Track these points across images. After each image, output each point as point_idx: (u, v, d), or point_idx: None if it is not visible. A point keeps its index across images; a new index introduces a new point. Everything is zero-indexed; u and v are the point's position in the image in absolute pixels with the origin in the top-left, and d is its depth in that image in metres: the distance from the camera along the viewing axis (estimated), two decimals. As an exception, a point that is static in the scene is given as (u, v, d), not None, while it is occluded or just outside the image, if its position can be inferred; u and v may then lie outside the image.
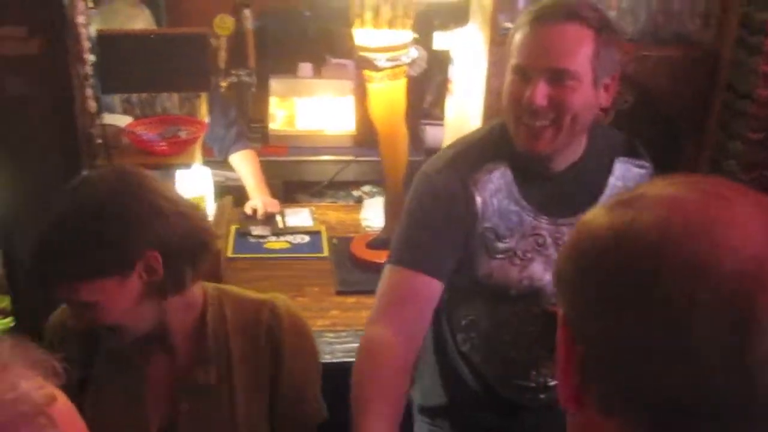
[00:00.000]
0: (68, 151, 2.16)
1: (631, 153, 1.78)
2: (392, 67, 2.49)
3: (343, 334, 2.46)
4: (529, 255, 1.73)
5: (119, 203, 1.42)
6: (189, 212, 1.50)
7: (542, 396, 1.87)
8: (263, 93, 4.07)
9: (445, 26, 2.95)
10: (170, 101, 2.74)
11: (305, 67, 4.08)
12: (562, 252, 0.82)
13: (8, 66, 2.05)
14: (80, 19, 2.09)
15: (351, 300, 2.64)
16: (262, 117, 4.10)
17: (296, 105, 4.04)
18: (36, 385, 0.73)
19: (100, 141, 2.25)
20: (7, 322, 2.34)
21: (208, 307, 1.58)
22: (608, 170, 1.73)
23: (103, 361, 1.62)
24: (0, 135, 2.13)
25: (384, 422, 1.52)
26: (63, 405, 0.74)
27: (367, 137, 3.92)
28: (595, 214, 0.79)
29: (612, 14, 2.56)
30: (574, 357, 0.78)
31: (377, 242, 2.79)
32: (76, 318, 1.51)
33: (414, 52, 2.56)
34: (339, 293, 2.66)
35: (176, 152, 2.34)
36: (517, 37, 1.62)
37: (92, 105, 2.20)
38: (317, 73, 4.11)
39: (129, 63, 2.40)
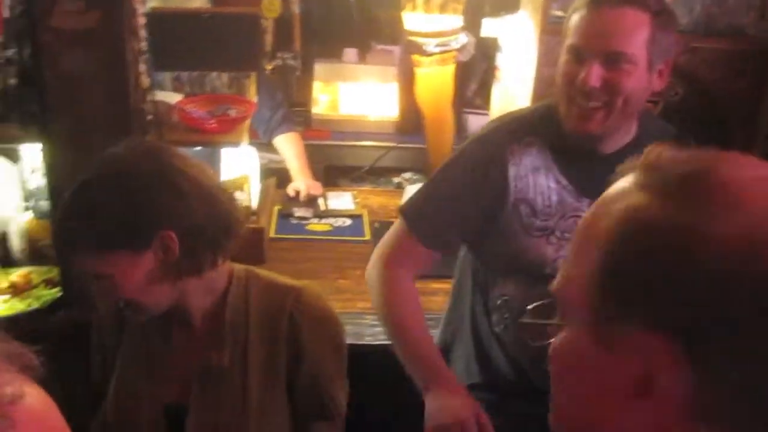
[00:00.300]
0: (120, 125, 2.18)
1: (681, 144, 1.76)
2: (441, 53, 2.50)
3: (384, 316, 2.47)
4: (567, 235, 1.73)
5: (140, 179, 1.41)
6: (215, 196, 1.48)
7: None
8: (307, 77, 4.09)
9: (495, 13, 2.94)
10: (219, 81, 2.76)
11: (350, 53, 4.08)
12: (624, 254, 0.71)
13: (65, 39, 2.07)
14: (136, -6, 2.12)
15: (392, 283, 2.65)
16: (305, 101, 4.11)
17: (340, 90, 4.05)
18: (2, 380, 0.66)
19: (150, 117, 2.28)
20: (55, 292, 2.38)
21: (231, 289, 1.57)
22: None
23: (129, 333, 1.65)
24: (55, 107, 2.16)
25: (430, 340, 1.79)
26: (31, 404, 0.67)
27: (409, 124, 3.92)
28: (655, 205, 0.70)
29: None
30: (662, 387, 0.68)
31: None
32: (96, 291, 1.52)
33: (463, 38, 2.57)
34: (380, 276, 2.66)
35: (225, 130, 2.36)
36: (575, 18, 1.63)
37: (145, 81, 2.22)
38: (362, 58, 4.11)
39: (181, 41, 2.42)
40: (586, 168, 1.71)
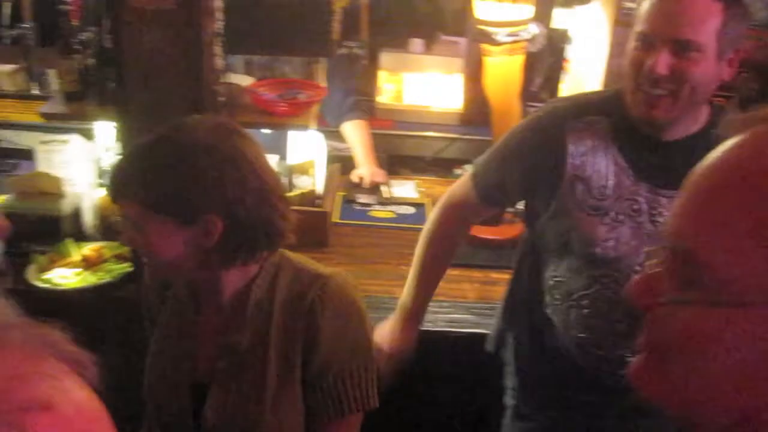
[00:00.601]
0: (194, 105, 2.23)
1: None
2: (512, 42, 2.49)
3: (445, 304, 2.49)
4: (620, 218, 1.73)
5: (212, 158, 1.39)
6: (270, 197, 1.45)
7: (622, 372, 1.84)
8: (373, 66, 4.11)
9: (567, 4, 2.92)
10: (290, 66, 2.79)
11: (416, 43, 4.09)
12: None
13: (145, 19, 2.13)
14: (214, -23, 2.16)
15: (454, 272, 2.65)
16: (370, 90, 4.13)
17: (405, 80, 4.06)
18: (34, 383, 0.56)
19: (223, 98, 2.32)
20: (125, 266, 2.44)
21: (261, 272, 1.54)
22: None
23: (168, 306, 1.66)
24: (132, 85, 2.22)
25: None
26: (59, 414, 0.56)
27: (472, 116, 3.91)
28: None
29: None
30: None
31: (485, 218, 2.80)
32: (122, 229, 1.51)
33: (534, 29, 2.55)
34: (443, 265, 2.68)
35: (294, 113, 2.39)
36: (645, 5, 1.63)
37: (219, 62, 2.26)
38: (428, 49, 4.12)
39: (254, 26, 2.46)
40: (646, 153, 1.72)
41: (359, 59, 4.03)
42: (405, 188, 3.21)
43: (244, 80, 2.50)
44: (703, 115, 1.70)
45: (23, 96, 3.75)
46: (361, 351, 1.56)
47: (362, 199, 3.08)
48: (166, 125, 1.48)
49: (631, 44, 1.66)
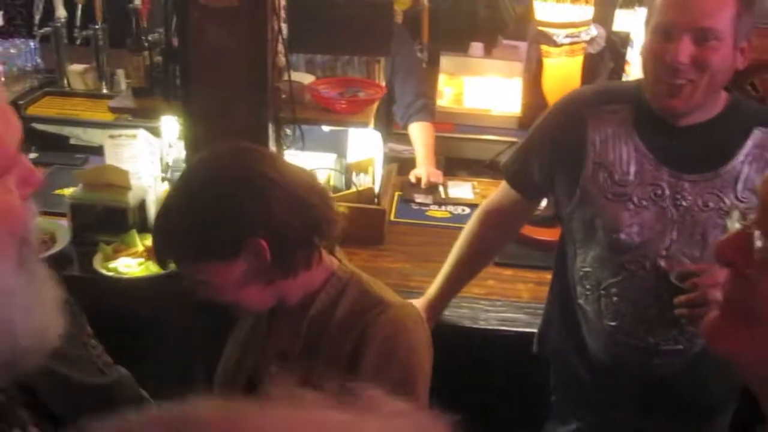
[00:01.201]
0: (257, 102, 2.29)
1: None
2: (571, 44, 2.50)
3: (498, 303, 2.50)
4: (644, 203, 1.76)
5: (226, 189, 1.40)
6: (305, 199, 1.45)
7: (656, 361, 1.86)
8: (433, 69, 4.14)
9: (628, 5, 2.91)
10: (350, 65, 2.84)
11: (476, 47, 4.11)
12: None
13: (211, 16, 2.19)
14: (279, -23, 2.22)
15: (508, 272, 2.68)
16: (430, 93, 4.16)
17: (465, 83, 4.08)
18: None
19: (285, 96, 2.37)
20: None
21: (326, 288, 1.54)
22: (745, 135, 1.74)
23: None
24: (197, 82, 2.29)
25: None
26: None
27: (531, 120, 3.88)
28: None
29: None
30: None
31: (539, 219, 2.80)
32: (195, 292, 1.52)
33: (593, 30, 2.55)
34: (497, 264, 2.69)
35: (354, 111, 2.44)
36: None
37: (282, 60, 2.32)
38: (488, 53, 4.14)
39: (316, 25, 2.52)
40: (666, 139, 1.76)
41: (420, 62, 4.07)
42: (462, 189, 3.23)
43: (306, 78, 2.55)
44: (720, 101, 1.74)
45: (93, 95, 3.87)
46: (402, 386, 1.45)
47: (419, 198, 3.11)
48: (184, 172, 1.54)
49: (648, 37, 1.69)
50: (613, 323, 1.85)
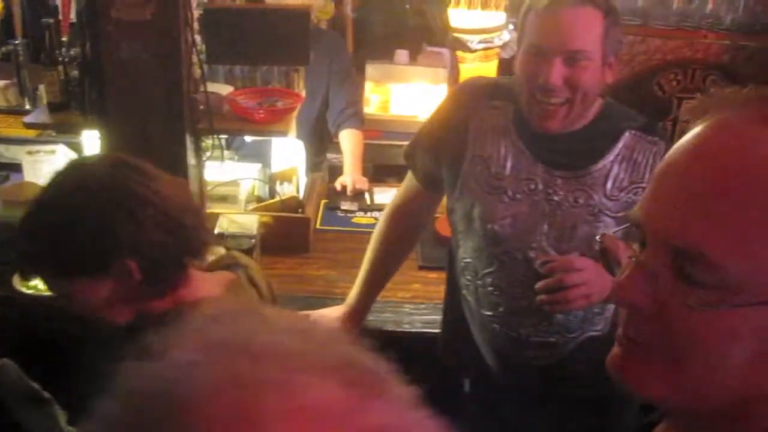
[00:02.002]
0: (173, 114, 2.29)
1: (647, 129, 1.85)
2: (484, 49, 2.56)
3: (422, 306, 2.54)
4: (518, 196, 1.84)
5: (95, 208, 1.37)
6: (178, 218, 1.42)
7: (529, 353, 1.93)
8: (359, 78, 4.17)
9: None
10: (270, 75, 2.86)
11: (402, 54, 4.15)
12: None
13: (123, 30, 2.19)
14: (191, -12, 2.22)
15: (433, 275, 2.71)
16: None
17: (391, 91, 4.13)
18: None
19: (202, 107, 2.38)
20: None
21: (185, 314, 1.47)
22: (616, 138, 1.82)
23: None
24: (112, 95, 2.28)
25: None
26: None
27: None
28: None
29: (710, 5, 2.56)
30: None
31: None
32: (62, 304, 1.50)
33: (506, 35, 2.61)
34: (422, 268, 2.74)
35: (273, 120, 2.45)
36: (533, 18, 1.73)
37: (197, 72, 2.32)
38: (413, 60, 4.19)
39: (233, 36, 2.52)
40: (540, 139, 1.83)
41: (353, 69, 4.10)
42: (387, 195, 3.25)
43: (224, 89, 2.56)
44: (593, 108, 1.82)
45: (15, 111, 3.81)
46: None
47: (345, 206, 3.14)
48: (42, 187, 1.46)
49: (522, 57, 1.77)
50: (489, 313, 1.93)
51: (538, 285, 1.75)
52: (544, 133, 1.81)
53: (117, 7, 2.18)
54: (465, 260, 1.96)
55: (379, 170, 3.95)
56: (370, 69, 4.11)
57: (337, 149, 3.54)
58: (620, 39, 1.77)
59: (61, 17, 3.01)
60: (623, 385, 0.76)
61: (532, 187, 1.83)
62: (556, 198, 1.82)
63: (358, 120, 3.48)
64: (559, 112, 1.73)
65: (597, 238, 1.74)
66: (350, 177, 3.28)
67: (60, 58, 2.46)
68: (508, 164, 1.85)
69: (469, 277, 1.96)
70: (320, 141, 3.51)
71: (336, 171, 3.44)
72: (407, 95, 4.11)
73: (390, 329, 2.43)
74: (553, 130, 1.78)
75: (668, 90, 2.57)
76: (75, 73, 2.50)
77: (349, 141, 3.41)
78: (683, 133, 0.74)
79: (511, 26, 2.61)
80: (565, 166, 1.81)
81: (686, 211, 0.69)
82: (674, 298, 0.70)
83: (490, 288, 1.90)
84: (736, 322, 0.68)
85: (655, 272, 0.71)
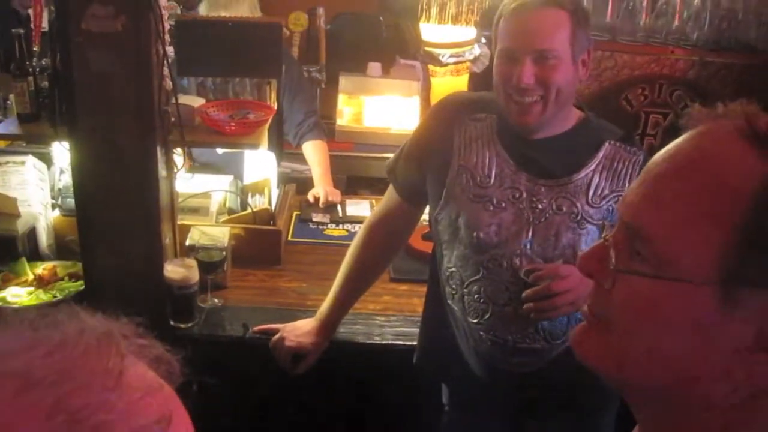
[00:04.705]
0: (144, 126, 2.28)
1: (626, 140, 1.92)
2: (455, 63, 2.58)
3: (393, 318, 2.55)
4: (503, 204, 1.88)
5: None
6: None
7: (515, 359, 1.95)
8: (332, 90, 4.19)
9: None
10: (242, 87, 2.86)
11: (374, 67, 4.18)
12: None
13: (93, 42, 2.18)
14: (162, 1, 2.22)
15: (404, 287, 2.73)
16: (330, 113, 4.21)
17: (364, 103, 4.14)
18: (159, 398, 0.57)
19: (173, 119, 2.37)
20: (78, 285, 2.48)
21: None
22: (597, 148, 1.89)
23: None
24: (83, 106, 2.26)
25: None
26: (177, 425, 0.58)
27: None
28: None
29: (676, 22, 2.61)
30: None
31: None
32: None
33: (477, 50, 2.64)
34: (393, 280, 2.74)
35: (244, 133, 2.45)
36: (502, 24, 1.81)
37: (168, 83, 2.32)
38: (386, 72, 4.21)
39: (205, 48, 2.52)
40: (524, 149, 1.88)
41: (318, 83, 4.11)
42: (360, 207, 3.27)
43: (196, 101, 2.55)
44: (571, 118, 1.89)
45: (-15, 121, 3.77)
46: None
47: (317, 218, 3.14)
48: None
49: (496, 61, 1.83)
50: (475, 321, 1.95)
51: (526, 293, 1.79)
52: (526, 140, 1.86)
53: (87, 18, 2.16)
54: (450, 269, 1.98)
55: (352, 182, 3.96)
56: (344, 81, 4.13)
57: (302, 160, 3.53)
58: (589, 37, 1.83)
59: (33, 27, 2.97)
60: (578, 356, 0.82)
61: (517, 195, 1.87)
62: (539, 206, 1.86)
63: (321, 130, 3.48)
64: (535, 108, 1.78)
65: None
66: (322, 189, 3.28)
67: (30, 69, 2.44)
68: (493, 173, 1.89)
69: (454, 286, 1.98)
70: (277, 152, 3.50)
71: (304, 184, 3.43)
72: (380, 107, 4.12)
73: (361, 341, 2.43)
74: (531, 125, 1.82)
75: (636, 105, 2.60)
76: (45, 84, 2.49)
77: (315, 152, 3.41)
78: (650, 146, 0.83)
79: (483, 40, 2.63)
80: (548, 174, 1.86)
81: (643, 193, 0.77)
82: (617, 266, 0.77)
83: (476, 296, 1.93)
84: (658, 294, 0.74)
85: (613, 247, 0.78)
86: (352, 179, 3.98)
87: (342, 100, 4.14)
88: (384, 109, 4.12)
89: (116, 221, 2.34)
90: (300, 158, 3.60)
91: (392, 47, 4.26)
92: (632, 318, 0.76)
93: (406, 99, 4.07)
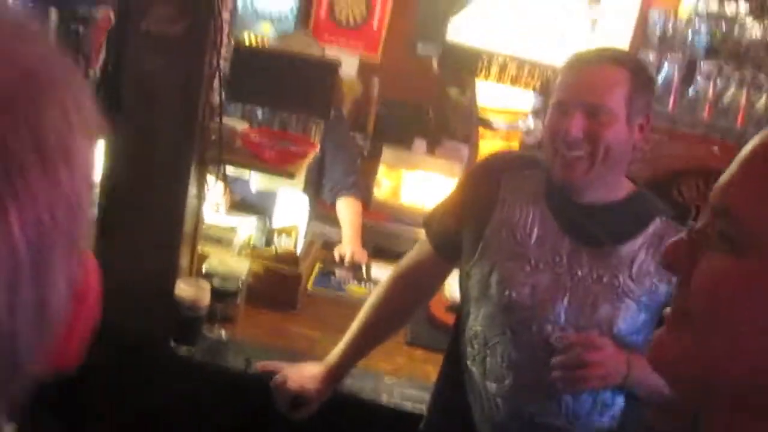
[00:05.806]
0: (185, 136, 2.24)
1: (677, 219, 1.84)
2: (508, 130, 2.52)
3: (403, 379, 2.42)
4: (541, 266, 1.77)
5: None
6: None
7: None
8: (373, 162, 4.14)
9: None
10: (289, 122, 2.81)
11: (420, 143, 4.15)
12: None
13: (150, 42, 2.16)
14: (225, 15, 2.20)
15: (419, 352, 2.61)
16: (367, 184, 4.15)
17: (404, 177, 4.09)
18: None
19: (214, 137, 2.32)
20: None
21: None
22: (646, 222, 1.79)
23: None
24: (128, 106, 2.22)
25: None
26: None
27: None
28: None
29: (738, 123, 2.55)
30: None
31: (454, 306, 2.75)
32: None
33: (531, 122, 2.59)
34: (409, 344, 2.62)
35: (283, 162, 2.38)
36: (560, 78, 1.77)
37: (215, 98, 2.27)
38: (430, 151, 4.18)
39: (260, 78, 2.49)
40: (570, 211, 1.79)
41: (361, 150, 4.08)
42: (385, 271, 3.16)
43: (239, 124, 2.51)
44: (623, 188, 1.81)
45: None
46: None
47: (340, 273, 3.05)
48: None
49: (548, 114, 1.77)
50: (494, 385, 1.83)
51: (556, 360, 1.68)
52: (574, 203, 1.78)
53: (148, 18, 2.15)
54: (474, 329, 1.87)
55: (377, 253, 3.87)
56: (387, 152, 4.09)
57: (332, 223, 3.45)
58: (650, 103, 1.76)
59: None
60: (655, 366, 0.79)
61: (557, 259, 1.77)
62: (579, 273, 1.75)
63: (359, 190, 3.41)
64: (580, 164, 1.71)
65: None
66: (349, 248, 3.20)
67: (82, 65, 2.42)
68: (535, 232, 1.79)
69: (477, 347, 1.86)
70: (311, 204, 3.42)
71: (331, 244, 3.34)
72: (419, 183, 4.06)
73: (366, 397, 2.29)
74: (575, 182, 1.73)
75: (687, 197, 2.52)
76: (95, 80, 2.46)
77: (348, 211, 3.33)
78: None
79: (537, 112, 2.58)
80: (592, 242, 1.76)
81: (731, 175, 0.75)
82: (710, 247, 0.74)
83: (499, 359, 1.81)
84: (744, 273, 0.70)
85: (699, 232, 0.75)
86: (378, 250, 3.89)
87: (382, 170, 4.09)
88: (423, 186, 4.06)
89: (136, 228, 2.26)
90: (330, 221, 3.51)
91: (439, 126, 4.24)
92: (713, 303, 0.72)
93: (447, 179, 4.01)
